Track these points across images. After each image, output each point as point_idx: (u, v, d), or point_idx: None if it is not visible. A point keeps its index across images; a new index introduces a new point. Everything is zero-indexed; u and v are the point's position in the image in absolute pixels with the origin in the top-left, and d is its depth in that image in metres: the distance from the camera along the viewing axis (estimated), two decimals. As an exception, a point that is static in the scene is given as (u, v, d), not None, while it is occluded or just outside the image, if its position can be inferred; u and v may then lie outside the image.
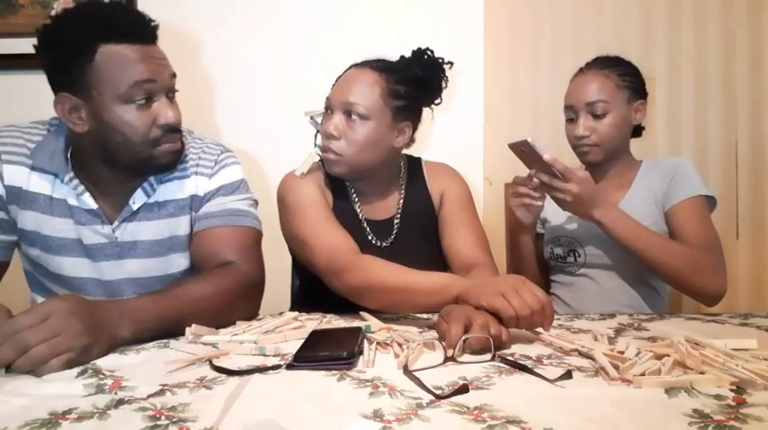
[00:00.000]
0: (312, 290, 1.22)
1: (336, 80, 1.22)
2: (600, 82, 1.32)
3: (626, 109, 1.33)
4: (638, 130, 1.43)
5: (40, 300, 1.16)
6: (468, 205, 1.32)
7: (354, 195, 1.28)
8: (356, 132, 1.17)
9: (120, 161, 1.03)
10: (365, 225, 1.26)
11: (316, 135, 1.24)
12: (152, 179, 1.10)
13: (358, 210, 1.27)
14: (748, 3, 1.73)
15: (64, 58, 0.96)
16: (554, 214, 1.46)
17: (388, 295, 1.01)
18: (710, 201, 1.32)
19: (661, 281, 1.33)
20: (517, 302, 0.84)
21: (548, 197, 1.26)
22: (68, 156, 1.06)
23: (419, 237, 1.28)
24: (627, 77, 1.34)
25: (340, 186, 1.28)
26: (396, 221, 1.28)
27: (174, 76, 1.05)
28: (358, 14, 1.73)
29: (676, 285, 1.29)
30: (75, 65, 0.96)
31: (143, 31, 1.00)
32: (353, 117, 1.17)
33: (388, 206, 1.29)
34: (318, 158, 1.24)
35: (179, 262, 1.15)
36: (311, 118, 1.26)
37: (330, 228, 1.15)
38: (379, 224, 1.28)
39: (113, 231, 1.09)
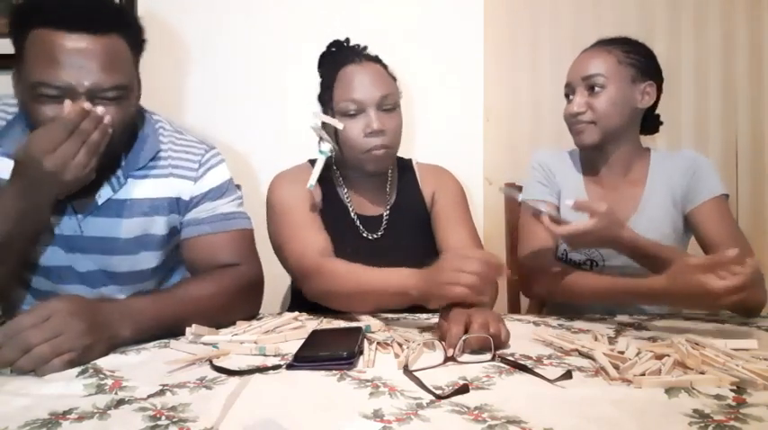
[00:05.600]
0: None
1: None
2: (601, 57, 1.22)
3: (628, 87, 1.21)
4: (653, 122, 1.31)
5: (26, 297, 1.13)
6: (461, 203, 1.32)
7: (345, 192, 1.30)
8: (393, 121, 1.21)
9: None
10: (356, 219, 1.28)
11: (319, 142, 1.24)
12: (119, 173, 1.04)
13: (349, 206, 1.29)
14: (748, 3, 1.73)
15: (12, 37, 0.92)
16: (567, 213, 1.28)
17: (349, 299, 1.05)
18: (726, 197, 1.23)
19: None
20: (466, 280, 0.86)
21: (562, 195, 1.24)
22: None
23: (409, 232, 1.29)
24: (633, 55, 1.22)
25: (331, 184, 1.30)
26: (385, 216, 1.29)
27: (116, 86, 0.92)
28: (357, 13, 1.73)
29: (728, 308, 1.08)
30: (17, 45, 0.92)
31: (82, 17, 0.88)
32: (388, 107, 1.21)
33: (379, 203, 1.31)
34: (322, 165, 1.22)
35: (150, 259, 1.11)
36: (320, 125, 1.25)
37: (304, 230, 1.17)
38: (370, 219, 1.29)
39: (79, 225, 1.03)
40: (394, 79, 1.27)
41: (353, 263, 1.07)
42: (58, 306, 0.75)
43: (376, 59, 1.26)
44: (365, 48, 1.27)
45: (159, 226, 1.08)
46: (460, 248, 1.23)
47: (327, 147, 1.22)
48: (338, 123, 1.19)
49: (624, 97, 1.20)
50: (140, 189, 1.05)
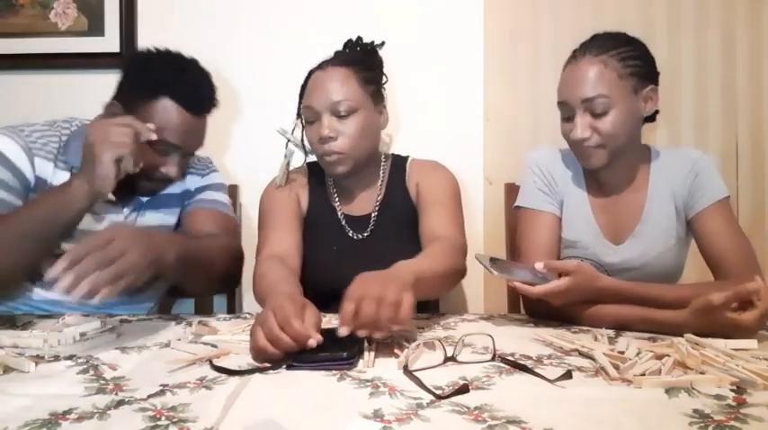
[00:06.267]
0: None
1: (307, 88, 1.24)
2: (598, 72, 1.09)
3: (632, 100, 1.11)
4: (651, 115, 1.20)
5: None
6: (446, 191, 1.27)
7: (335, 193, 1.31)
8: (348, 126, 1.19)
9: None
10: (342, 220, 1.29)
11: (287, 144, 1.31)
12: None
13: (337, 207, 1.30)
14: (748, 3, 1.73)
15: (133, 85, 1.14)
16: (572, 221, 1.22)
17: (261, 302, 1.05)
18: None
19: None
20: (261, 346, 0.78)
21: (565, 204, 1.20)
22: None
23: (397, 231, 1.28)
24: (631, 62, 1.11)
25: (322, 187, 1.32)
26: (373, 215, 1.29)
27: (198, 146, 1.21)
28: (358, 15, 1.73)
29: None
30: (137, 95, 1.13)
31: (199, 104, 1.16)
32: (343, 113, 1.19)
33: (368, 202, 1.31)
34: (287, 165, 1.30)
35: None
36: (287, 131, 1.32)
37: (270, 232, 1.22)
38: (358, 219, 1.30)
39: (125, 219, 1.22)
40: (371, 81, 1.23)
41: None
42: (119, 231, 0.87)
43: (348, 62, 1.22)
44: (341, 50, 1.27)
45: (176, 216, 1.30)
46: (434, 230, 1.18)
47: (289, 149, 1.30)
48: (298, 128, 1.26)
49: (630, 113, 1.12)
50: (170, 188, 1.26)
